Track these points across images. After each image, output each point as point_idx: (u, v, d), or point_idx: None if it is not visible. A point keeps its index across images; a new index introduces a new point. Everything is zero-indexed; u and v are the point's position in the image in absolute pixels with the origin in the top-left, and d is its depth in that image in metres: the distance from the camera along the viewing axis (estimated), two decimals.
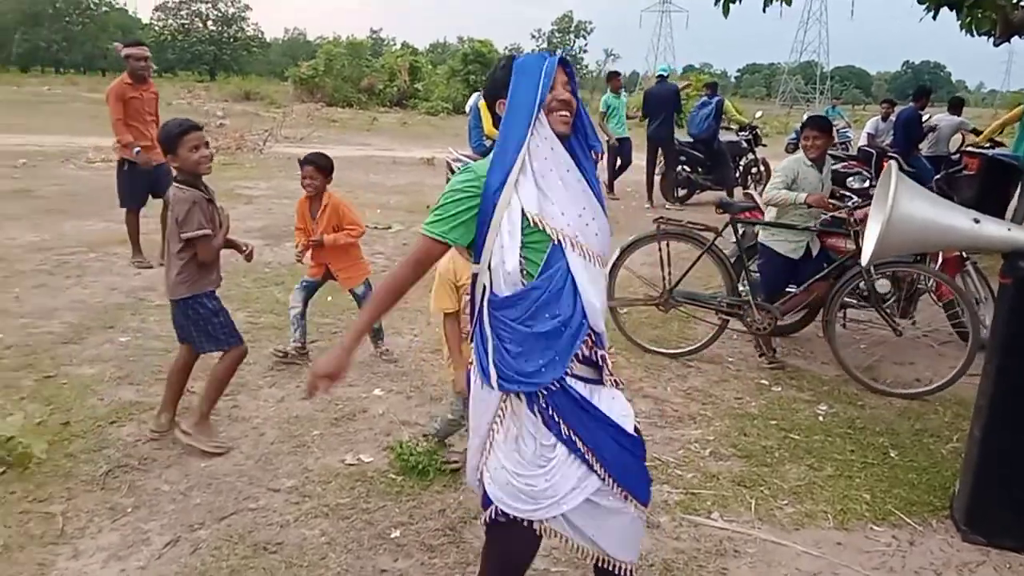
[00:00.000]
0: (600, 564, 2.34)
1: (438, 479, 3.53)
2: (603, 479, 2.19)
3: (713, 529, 3.28)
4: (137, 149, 6.66)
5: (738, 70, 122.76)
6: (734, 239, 5.38)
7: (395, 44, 64.32)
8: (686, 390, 4.76)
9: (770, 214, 5.33)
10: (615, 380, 2.30)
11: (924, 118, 11.21)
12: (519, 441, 2.20)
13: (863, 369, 5.16)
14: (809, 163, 5.16)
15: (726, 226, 5.34)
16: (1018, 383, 3.18)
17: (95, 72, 59.86)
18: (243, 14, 71.52)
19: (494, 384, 2.17)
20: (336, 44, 37.07)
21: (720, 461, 3.89)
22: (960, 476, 3.50)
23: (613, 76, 12.87)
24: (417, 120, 28.51)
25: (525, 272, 2.13)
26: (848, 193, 7.76)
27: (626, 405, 2.32)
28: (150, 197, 6.92)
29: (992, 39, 7.57)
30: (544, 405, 2.15)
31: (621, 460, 2.23)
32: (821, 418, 4.47)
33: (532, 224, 2.09)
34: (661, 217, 5.44)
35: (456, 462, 3.57)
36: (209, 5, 70.34)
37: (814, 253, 5.20)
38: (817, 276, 5.12)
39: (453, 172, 9.79)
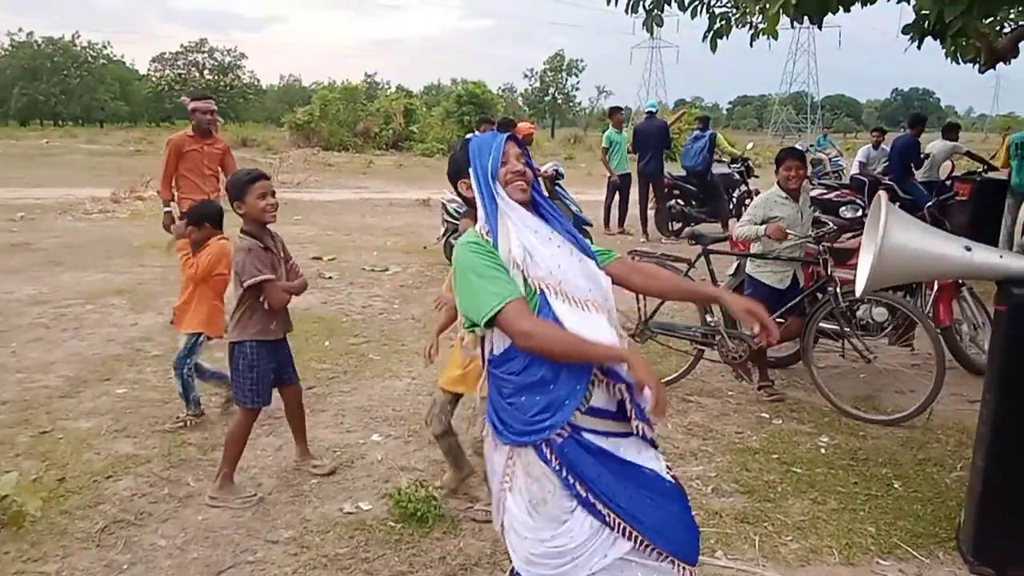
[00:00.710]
0: None
1: (438, 526, 3.50)
2: (635, 544, 2.12)
3: (718, 568, 3.24)
4: (167, 209, 6.58)
5: (729, 102, 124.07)
6: (708, 269, 5.42)
7: (390, 87, 65.15)
8: (686, 426, 4.73)
9: (757, 247, 5.35)
10: (644, 432, 2.21)
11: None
12: (535, 505, 2.17)
13: (862, 398, 5.14)
14: (784, 196, 5.19)
15: (699, 257, 5.38)
16: (1017, 410, 3.16)
17: (93, 124, 60.49)
18: (239, 62, 72.55)
19: (500, 438, 2.19)
20: (331, 89, 37.43)
21: (722, 498, 3.85)
22: (965, 506, 3.46)
23: (615, 111, 12.87)
24: (413, 162, 28.72)
25: None
26: (826, 220, 7.81)
27: (656, 454, 2.26)
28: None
29: (977, 66, 7.66)
30: (556, 462, 2.11)
31: (656, 516, 2.14)
32: (823, 450, 4.44)
33: (522, 277, 2.16)
34: (635, 250, 5.53)
35: (482, 511, 3.56)
36: (206, 55, 71.37)
37: (800, 283, 5.21)
38: (790, 305, 5.14)
39: (448, 212, 9.85)
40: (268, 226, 3.75)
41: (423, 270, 9.29)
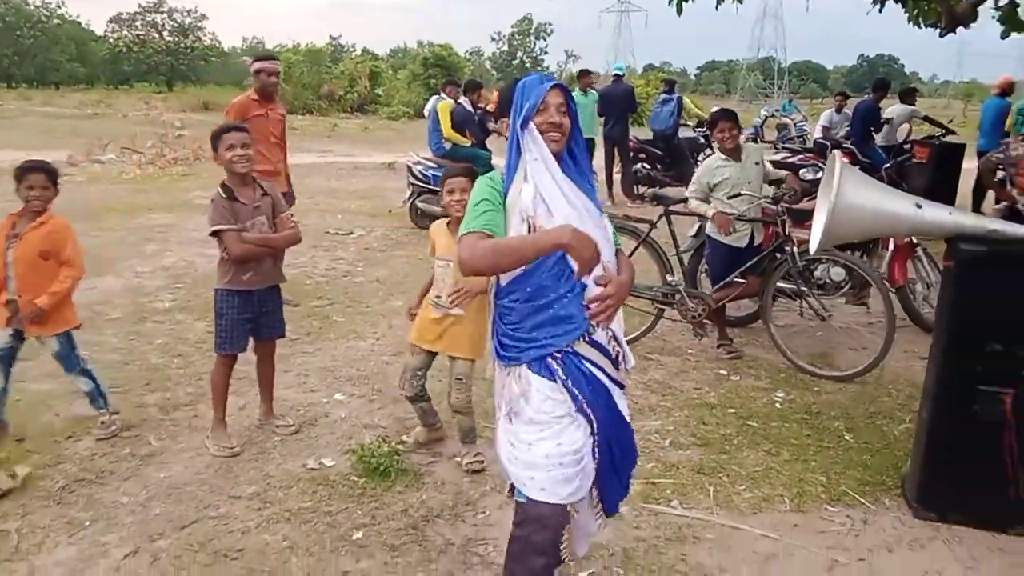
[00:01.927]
0: None
1: (400, 480, 3.55)
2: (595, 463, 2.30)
3: (673, 517, 3.33)
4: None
5: (698, 67, 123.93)
6: (670, 230, 5.49)
7: (355, 50, 64.01)
8: (646, 382, 4.81)
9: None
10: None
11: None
12: (527, 415, 2.26)
13: (818, 355, 5.28)
14: (724, 158, 5.26)
15: (660, 218, 5.43)
16: (962, 363, 3.27)
17: (48, 86, 58.73)
18: (199, 24, 70.69)
19: (500, 361, 2.31)
20: (295, 52, 36.73)
21: (680, 450, 3.95)
22: (911, 456, 3.59)
23: (584, 74, 12.55)
24: (378, 125, 28.40)
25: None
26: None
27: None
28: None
29: (939, 30, 7.76)
30: (562, 372, 2.23)
31: (614, 457, 2.35)
32: (778, 405, 4.55)
33: (531, 229, 2.20)
34: None
35: (481, 462, 3.66)
36: (165, 16, 69.43)
37: (756, 242, 5.29)
38: (748, 265, 5.23)
39: (414, 175, 9.82)
40: (255, 178, 3.83)
41: (388, 233, 9.26)
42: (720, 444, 4.02)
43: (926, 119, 12.08)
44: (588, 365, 2.25)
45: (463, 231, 2.20)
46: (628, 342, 5.08)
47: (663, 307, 5.46)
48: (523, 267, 2.19)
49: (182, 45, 67.83)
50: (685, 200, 5.54)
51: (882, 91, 11.34)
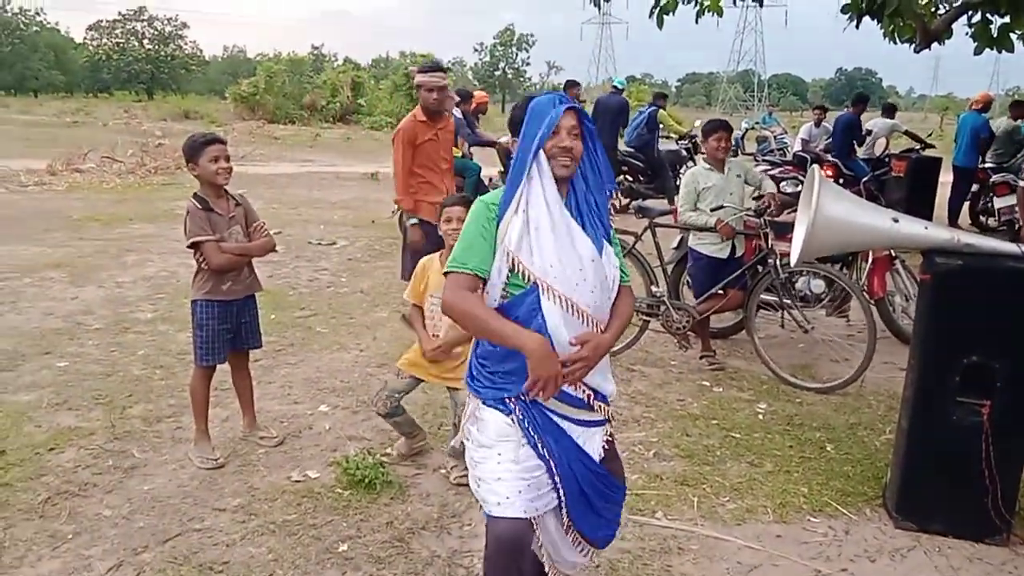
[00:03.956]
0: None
1: (385, 492, 3.55)
2: (563, 509, 2.29)
3: (657, 528, 3.35)
4: (413, 221, 5.03)
5: (679, 80, 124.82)
6: (654, 242, 5.52)
7: (337, 60, 63.96)
8: (630, 394, 4.84)
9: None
10: (609, 436, 2.38)
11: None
12: (488, 440, 2.26)
13: (800, 367, 5.34)
14: (708, 167, 5.33)
15: (645, 230, 5.48)
16: (940, 375, 3.33)
17: (26, 94, 58.25)
18: (180, 32, 70.46)
19: (469, 385, 2.31)
20: (276, 61, 36.68)
21: (663, 462, 3.98)
22: (891, 466, 3.64)
23: (571, 85, 12.35)
24: (361, 135, 28.36)
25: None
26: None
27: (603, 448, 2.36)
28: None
29: (913, 46, 7.88)
30: (519, 413, 2.21)
31: (586, 498, 2.32)
32: (761, 416, 4.60)
33: (512, 264, 2.16)
34: None
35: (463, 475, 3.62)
36: (145, 24, 69.11)
37: (738, 253, 5.35)
38: (732, 277, 5.29)
39: None
40: (227, 189, 3.82)
41: (371, 244, 9.26)
42: (703, 455, 4.05)
43: (907, 133, 12.29)
44: (548, 413, 2.23)
45: (449, 263, 2.19)
46: (613, 354, 5.10)
47: (648, 319, 5.50)
48: (501, 299, 2.21)
49: (162, 53, 67.60)
50: (669, 212, 5.60)
51: (862, 105, 11.57)
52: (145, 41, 68.59)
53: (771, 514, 3.50)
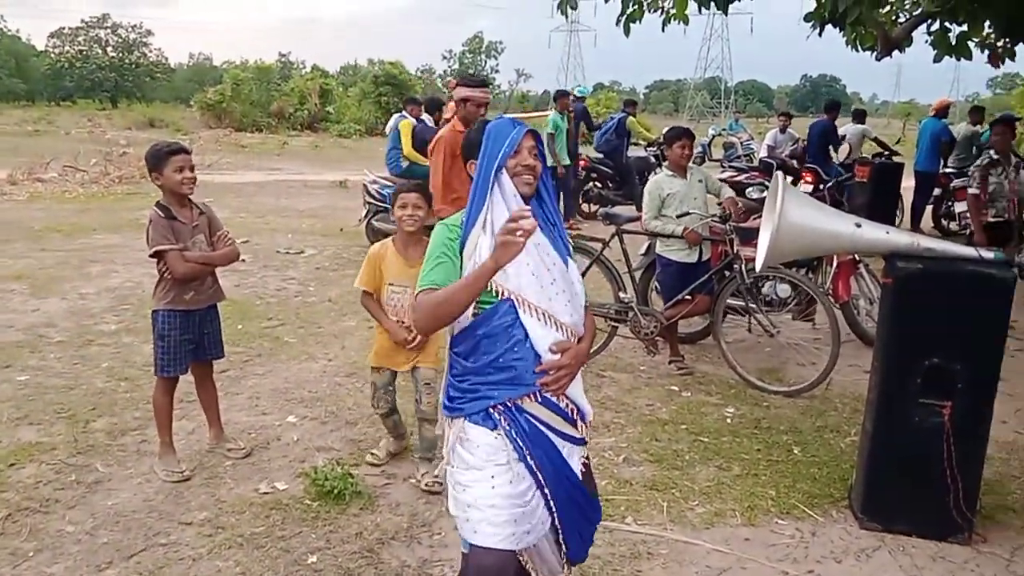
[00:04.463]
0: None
1: (355, 502, 3.52)
2: (555, 523, 2.26)
3: (627, 533, 3.37)
4: None
5: (646, 87, 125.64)
6: (622, 249, 5.56)
7: (305, 67, 63.55)
8: (600, 400, 4.86)
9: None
10: (586, 459, 2.38)
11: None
12: (472, 463, 2.21)
13: (766, 371, 5.39)
14: (671, 173, 5.39)
15: (613, 236, 5.52)
16: (903, 377, 3.38)
17: None
18: (145, 40, 69.55)
19: (446, 412, 2.27)
20: (243, 68, 36.40)
21: (633, 467, 4.00)
22: (856, 467, 3.69)
23: (561, 95, 11.96)
24: (329, 143, 28.22)
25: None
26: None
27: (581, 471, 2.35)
28: None
29: (875, 54, 8.03)
30: (506, 423, 2.18)
31: (571, 513, 2.30)
32: (729, 420, 4.64)
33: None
34: None
35: (440, 482, 3.59)
36: (109, 31, 68.15)
37: (705, 257, 5.41)
38: (698, 283, 5.33)
39: (370, 194, 9.77)
40: (192, 198, 3.78)
41: (340, 252, 9.21)
42: (672, 460, 4.07)
43: (875, 140, 12.59)
44: (535, 422, 2.21)
45: (419, 284, 2.17)
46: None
47: (616, 324, 5.53)
48: (473, 316, 2.18)
49: (127, 61, 66.64)
50: (636, 219, 5.63)
51: (835, 111, 11.90)
52: (109, 49, 67.56)
53: (739, 517, 3.53)
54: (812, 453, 4.20)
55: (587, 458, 2.40)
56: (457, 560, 2.83)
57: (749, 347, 5.87)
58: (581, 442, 2.33)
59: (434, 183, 4.83)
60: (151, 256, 3.70)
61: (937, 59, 6.91)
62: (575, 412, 2.29)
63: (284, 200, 13.71)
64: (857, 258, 5.94)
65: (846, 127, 12.44)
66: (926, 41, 7.28)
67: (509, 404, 2.19)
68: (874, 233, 3.42)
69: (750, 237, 5.49)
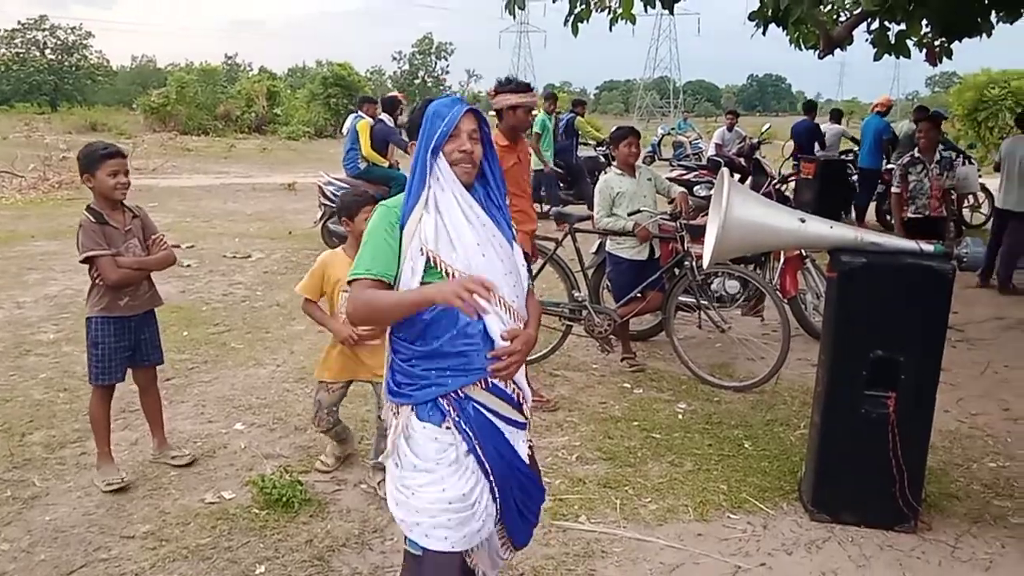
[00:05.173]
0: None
1: (304, 510, 3.45)
2: (497, 515, 2.24)
3: (581, 532, 3.36)
4: None
5: (597, 87, 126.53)
6: (575, 247, 5.56)
7: (252, 69, 62.62)
8: (553, 399, 4.85)
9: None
10: (530, 441, 2.36)
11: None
12: (415, 462, 2.18)
13: (717, 366, 5.44)
14: (620, 172, 5.43)
15: (565, 235, 5.52)
16: (849, 369, 3.43)
17: None
18: (85, 42, 67.80)
19: (393, 399, 2.22)
20: (188, 71, 35.72)
21: (586, 465, 3.99)
22: (805, 460, 3.73)
23: (551, 98, 12.14)
24: (277, 145, 27.80)
25: None
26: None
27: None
28: None
29: (818, 52, 8.17)
30: (455, 413, 2.15)
31: (521, 500, 2.29)
32: (680, 416, 4.66)
33: (431, 262, 2.10)
34: None
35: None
36: (47, 33, 66.30)
37: (656, 254, 5.44)
38: (651, 280, 5.36)
39: (326, 196, 9.64)
40: (126, 202, 3.69)
41: (288, 256, 9.06)
42: (625, 457, 4.08)
43: (852, 139, 13.00)
44: (482, 411, 2.18)
45: (353, 271, 2.14)
46: (538, 360, 5.12)
47: (570, 323, 5.52)
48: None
49: (66, 64, 64.91)
50: (588, 218, 5.64)
51: (813, 111, 12.65)
52: (47, 51, 65.76)
53: (692, 513, 3.55)
54: (763, 447, 4.24)
55: (531, 441, 2.39)
56: None
57: (700, 343, 5.92)
58: (523, 426, 2.32)
59: None
60: (82, 262, 3.58)
61: (877, 57, 7.05)
62: (520, 396, 2.27)
63: (231, 204, 13.47)
64: (804, 253, 6.03)
65: (825, 126, 12.87)
66: (866, 40, 7.44)
67: (460, 393, 2.16)
68: (819, 228, 3.47)
69: (700, 234, 5.53)
